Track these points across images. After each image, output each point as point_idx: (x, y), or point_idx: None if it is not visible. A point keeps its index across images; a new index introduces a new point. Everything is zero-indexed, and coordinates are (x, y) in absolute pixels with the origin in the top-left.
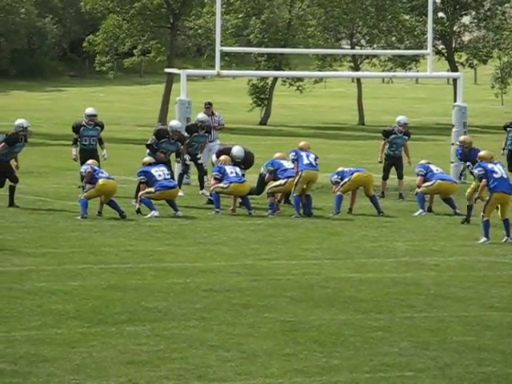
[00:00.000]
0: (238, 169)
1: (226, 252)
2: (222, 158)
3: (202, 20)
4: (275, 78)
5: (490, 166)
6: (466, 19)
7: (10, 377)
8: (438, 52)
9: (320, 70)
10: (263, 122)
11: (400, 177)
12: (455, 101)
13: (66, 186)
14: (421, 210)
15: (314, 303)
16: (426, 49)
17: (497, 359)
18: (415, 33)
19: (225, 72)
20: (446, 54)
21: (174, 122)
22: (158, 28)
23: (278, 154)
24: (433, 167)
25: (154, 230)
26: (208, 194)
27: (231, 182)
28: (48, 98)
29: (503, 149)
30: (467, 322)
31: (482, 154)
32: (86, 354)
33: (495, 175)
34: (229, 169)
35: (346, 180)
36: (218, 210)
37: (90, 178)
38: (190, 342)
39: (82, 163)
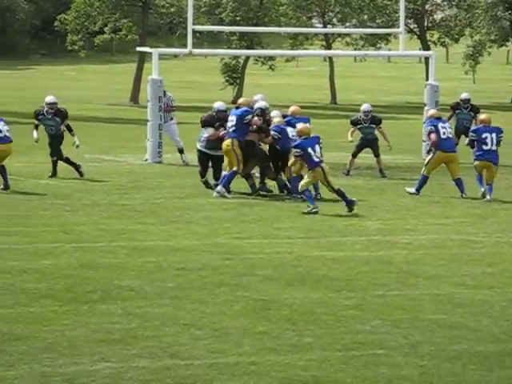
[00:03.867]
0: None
1: (198, 231)
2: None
3: None
4: (247, 57)
5: (440, 124)
6: None
7: None
8: (410, 31)
9: (292, 49)
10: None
11: (376, 155)
12: (427, 79)
13: (39, 164)
14: (414, 190)
15: (286, 282)
16: (398, 27)
17: (468, 337)
18: (387, 11)
19: (197, 51)
20: (418, 33)
21: (217, 104)
22: (130, 6)
23: (277, 118)
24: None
25: (126, 208)
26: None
27: None
28: (19, 77)
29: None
30: (439, 300)
31: (431, 112)
32: (59, 332)
33: (442, 135)
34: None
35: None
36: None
37: None
38: (162, 320)
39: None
